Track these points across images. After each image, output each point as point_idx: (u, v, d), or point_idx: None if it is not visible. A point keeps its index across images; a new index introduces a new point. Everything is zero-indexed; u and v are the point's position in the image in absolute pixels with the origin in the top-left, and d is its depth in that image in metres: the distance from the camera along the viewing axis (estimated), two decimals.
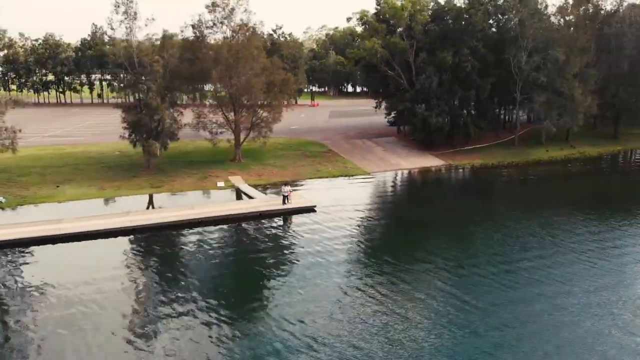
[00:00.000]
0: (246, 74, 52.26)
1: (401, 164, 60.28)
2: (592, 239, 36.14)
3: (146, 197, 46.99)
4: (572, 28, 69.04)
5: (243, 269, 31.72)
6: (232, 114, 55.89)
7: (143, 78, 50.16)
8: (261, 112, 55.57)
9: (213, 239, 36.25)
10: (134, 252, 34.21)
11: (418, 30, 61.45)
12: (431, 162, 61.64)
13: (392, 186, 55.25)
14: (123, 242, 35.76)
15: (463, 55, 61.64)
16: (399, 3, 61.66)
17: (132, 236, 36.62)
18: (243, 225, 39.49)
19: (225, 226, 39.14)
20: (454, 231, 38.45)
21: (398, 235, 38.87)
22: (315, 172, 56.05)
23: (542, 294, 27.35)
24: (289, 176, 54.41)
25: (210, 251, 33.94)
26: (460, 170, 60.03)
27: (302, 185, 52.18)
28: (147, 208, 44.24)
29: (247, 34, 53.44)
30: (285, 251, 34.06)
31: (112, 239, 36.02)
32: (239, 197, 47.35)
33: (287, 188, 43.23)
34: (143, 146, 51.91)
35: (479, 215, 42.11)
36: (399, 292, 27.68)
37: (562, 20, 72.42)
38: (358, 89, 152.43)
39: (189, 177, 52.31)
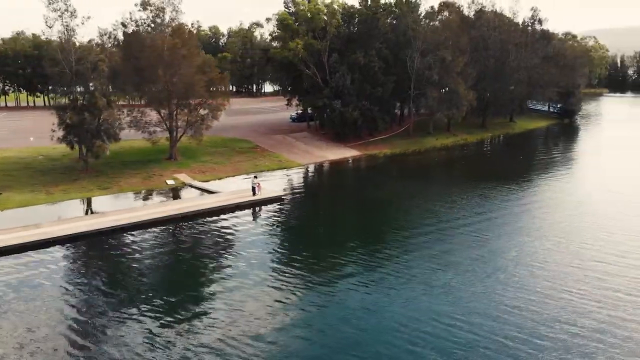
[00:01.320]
0: (187, 72, 53.16)
1: (326, 156, 65.22)
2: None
3: (103, 199, 46.19)
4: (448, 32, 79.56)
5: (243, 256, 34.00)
6: (166, 112, 56.25)
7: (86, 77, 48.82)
8: (200, 110, 56.56)
9: (215, 229, 37.97)
10: (137, 247, 34.69)
11: (332, 33, 66.81)
12: (349, 153, 67.45)
13: (330, 174, 60.11)
14: (130, 237, 36.01)
15: (371, 56, 68.27)
16: (312, 6, 66.49)
17: (135, 231, 36.92)
18: (222, 217, 41.30)
19: (209, 219, 40.39)
20: (404, 206, 44.36)
21: (362, 214, 43.46)
22: (254, 167, 58.57)
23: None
24: (230, 172, 56.49)
25: (219, 238, 35.89)
26: (377, 159, 66.46)
27: (247, 179, 54.57)
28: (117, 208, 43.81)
29: (183, 33, 54.28)
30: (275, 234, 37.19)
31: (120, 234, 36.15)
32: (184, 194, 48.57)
33: (257, 180, 45.80)
34: (87, 148, 50.39)
35: (409, 193, 48.74)
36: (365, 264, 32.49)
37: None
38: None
39: (133, 177, 51.92)
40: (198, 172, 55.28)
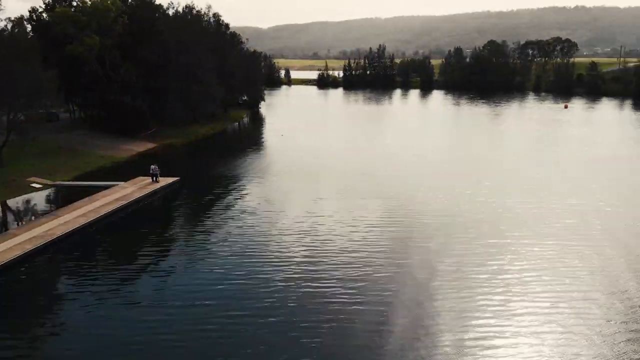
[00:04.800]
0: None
1: (132, 149, 67.62)
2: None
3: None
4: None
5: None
6: None
7: None
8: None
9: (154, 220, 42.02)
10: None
11: (117, 30, 68.39)
12: (147, 144, 71.06)
13: (168, 161, 61.88)
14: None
15: (152, 54, 72.77)
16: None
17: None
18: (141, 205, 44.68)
19: (130, 210, 42.26)
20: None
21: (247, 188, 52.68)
22: (87, 164, 58.04)
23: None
24: (71, 171, 55.12)
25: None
26: (176, 147, 72.10)
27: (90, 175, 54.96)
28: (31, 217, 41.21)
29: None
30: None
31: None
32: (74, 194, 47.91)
33: (155, 167, 49.12)
34: None
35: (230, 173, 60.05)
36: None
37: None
38: None
39: None
40: (45, 174, 52.45)
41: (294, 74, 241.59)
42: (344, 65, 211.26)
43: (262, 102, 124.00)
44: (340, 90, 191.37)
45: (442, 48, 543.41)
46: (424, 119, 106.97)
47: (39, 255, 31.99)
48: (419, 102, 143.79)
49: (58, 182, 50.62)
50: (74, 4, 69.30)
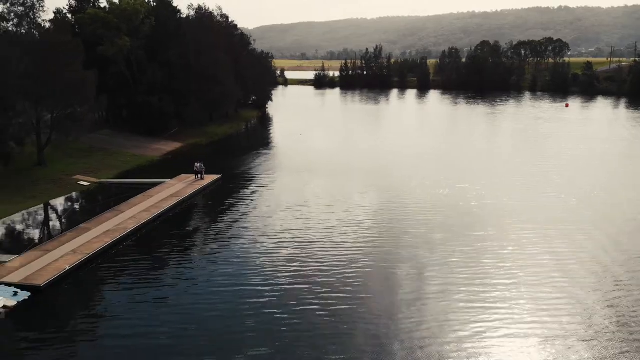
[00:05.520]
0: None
1: (161, 148, 69.12)
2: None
3: (54, 205, 43.64)
4: None
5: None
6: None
7: None
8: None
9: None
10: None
11: (144, 32, 69.73)
12: (174, 144, 72.54)
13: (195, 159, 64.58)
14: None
15: (179, 55, 74.27)
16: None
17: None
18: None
19: (185, 205, 44.57)
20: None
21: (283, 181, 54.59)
22: (124, 163, 59.58)
23: None
24: (110, 170, 56.52)
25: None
26: (202, 147, 73.49)
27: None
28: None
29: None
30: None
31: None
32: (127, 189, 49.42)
33: (201, 164, 50.77)
34: None
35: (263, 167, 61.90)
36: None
37: None
38: None
39: (43, 185, 48.33)
40: (89, 172, 53.87)
41: (288, 74, 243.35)
42: (341, 66, 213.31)
43: (270, 102, 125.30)
44: (337, 90, 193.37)
45: (428, 48, 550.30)
46: (435, 118, 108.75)
47: (116, 246, 34.16)
48: (421, 102, 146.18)
49: (103, 180, 52.07)
50: (102, 5, 70.55)
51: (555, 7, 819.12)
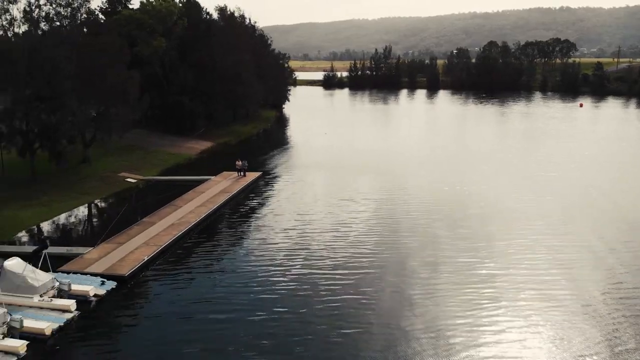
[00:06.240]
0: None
1: (194, 147, 70.52)
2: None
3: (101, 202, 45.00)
4: None
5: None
6: None
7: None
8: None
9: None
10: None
11: (177, 33, 71.09)
12: (205, 143, 73.88)
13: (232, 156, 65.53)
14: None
15: (204, 56, 75.69)
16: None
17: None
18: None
19: (235, 201, 46.33)
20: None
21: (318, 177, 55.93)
22: (163, 162, 60.85)
23: None
24: (154, 167, 57.86)
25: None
26: (231, 146, 74.81)
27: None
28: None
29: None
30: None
31: None
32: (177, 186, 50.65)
33: (244, 162, 52.08)
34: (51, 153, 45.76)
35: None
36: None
37: None
38: None
39: (93, 182, 49.76)
40: (132, 170, 55.15)
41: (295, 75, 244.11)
42: (350, 66, 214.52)
43: (287, 102, 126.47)
44: (346, 90, 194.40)
45: (430, 49, 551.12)
46: (455, 118, 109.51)
47: (184, 238, 35.81)
48: (434, 102, 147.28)
49: (149, 177, 53.36)
50: (133, 7, 71.85)
51: (557, 8, 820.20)
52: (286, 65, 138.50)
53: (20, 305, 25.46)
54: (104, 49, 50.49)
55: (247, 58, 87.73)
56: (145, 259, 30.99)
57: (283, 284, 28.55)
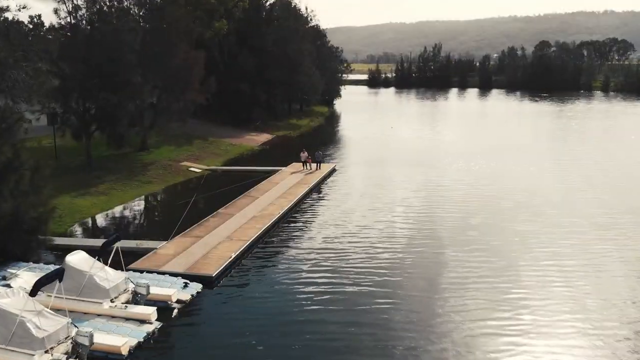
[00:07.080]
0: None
1: (254, 138, 65.21)
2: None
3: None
4: None
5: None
6: None
7: None
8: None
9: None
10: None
11: (236, 15, 66.10)
12: (265, 135, 68.54)
13: (298, 148, 60.22)
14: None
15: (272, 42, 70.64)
16: None
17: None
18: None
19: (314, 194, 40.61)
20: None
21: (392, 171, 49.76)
22: (225, 152, 55.91)
23: None
24: (217, 158, 52.82)
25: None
26: (292, 139, 69.21)
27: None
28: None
29: None
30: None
31: None
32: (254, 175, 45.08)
33: (306, 154, 46.28)
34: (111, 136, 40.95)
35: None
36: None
37: None
38: None
39: (155, 170, 44.79)
40: (191, 159, 50.08)
41: None
42: (396, 65, 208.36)
43: (338, 98, 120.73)
44: (391, 89, 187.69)
45: (470, 52, 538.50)
46: (530, 117, 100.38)
47: (268, 232, 30.45)
48: (492, 101, 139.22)
49: (213, 167, 48.20)
50: None
51: (601, 12, 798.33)
52: (341, 58, 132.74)
53: (85, 313, 19.86)
54: (172, 23, 45.42)
55: (309, 48, 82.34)
56: (233, 256, 25.40)
57: (395, 277, 23.80)
